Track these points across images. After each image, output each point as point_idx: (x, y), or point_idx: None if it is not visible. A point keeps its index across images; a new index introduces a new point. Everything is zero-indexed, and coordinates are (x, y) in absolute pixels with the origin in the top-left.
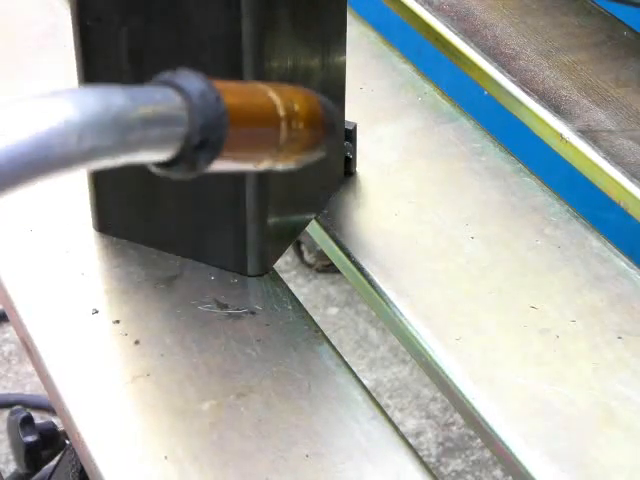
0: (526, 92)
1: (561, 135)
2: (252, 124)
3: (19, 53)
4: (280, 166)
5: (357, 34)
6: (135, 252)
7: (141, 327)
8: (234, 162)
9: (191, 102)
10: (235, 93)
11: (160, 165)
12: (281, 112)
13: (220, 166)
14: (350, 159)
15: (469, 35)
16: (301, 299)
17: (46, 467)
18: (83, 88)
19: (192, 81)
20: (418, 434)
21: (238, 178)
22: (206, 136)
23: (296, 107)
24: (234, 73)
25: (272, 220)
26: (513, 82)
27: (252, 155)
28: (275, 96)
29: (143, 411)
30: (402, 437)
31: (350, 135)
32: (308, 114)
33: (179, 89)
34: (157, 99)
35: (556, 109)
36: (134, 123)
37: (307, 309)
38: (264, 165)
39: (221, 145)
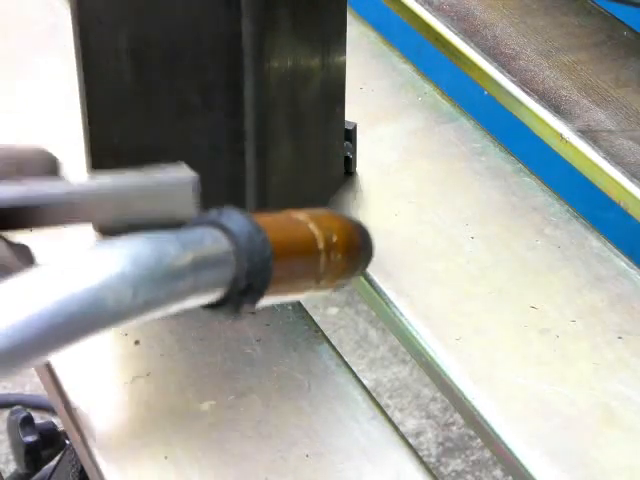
0: (526, 92)
1: (561, 135)
2: (295, 260)
3: (19, 53)
4: (320, 292)
5: (357, 34)
6: None
7: (141, 327)
8: (277, 296)
9: (238, 246)
10: (278, 229)
11: (205, 306)
12: (320, 245)
13: (264, 303)
14: (350, 159)
15: (469, 35)
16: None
17: (46, 467)
18: (135, 237)
19: (238, 222)
20: (418, 434)
21: (238, 178)
22: (252, 280)
23: (334, 238)
24: (234, 73)
25: None
26: (513, 82)
27: (294, 288)
28: (315, 228)
29: (143, 411)
30: (402, 437)
31: (350, 135)
32: (345, 243)
33: (226, 231)
34: (206, 243)
35: (556, 109)
36: (186, 272)
37: (307, 309)
38: (305, 294)
39: (265, 287)
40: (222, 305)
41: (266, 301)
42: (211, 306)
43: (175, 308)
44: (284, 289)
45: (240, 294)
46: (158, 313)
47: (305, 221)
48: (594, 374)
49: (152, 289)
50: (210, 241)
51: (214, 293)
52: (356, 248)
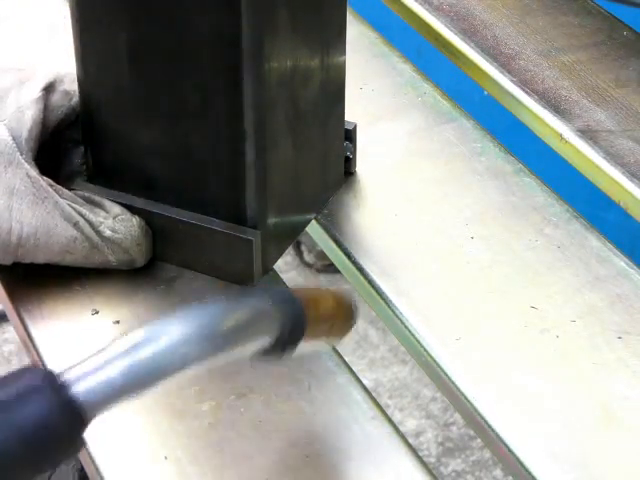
0: (526, 92)
1: (561, 135)
2: (317, 325)
3: (19, 54)
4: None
5: (357, 34)
6: None
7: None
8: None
9: (283, 314)
10: (311, 305)
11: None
12: (336, 315)
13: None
14: (350, 159)
15: (469, 35)
16: None
17: None
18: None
19: (285, 299)
20: (418, 434)
21: (238, 178)
22: (288, 341)
23: (341, 310)
24: (234, 73)
25: (272, 220)
26: (513, 82)
27: (313, 340)
28: (334, 301)
29: (143, 411)
30: (402, 437)
31: (350, 135)
32: (347, 313)
33: (275, 303)
34: (259, 317)
35: (556, 109)
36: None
37: None
38: (318, 344)
39: (300, 340)
40: (271, 352)
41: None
42: (265, 352)
43: (242, 354)
44: (308, 341)
45: (284, 344)
46: (230, 358)
47: (328, 297)
48: (594, 374)
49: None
50: (263, 315)
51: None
52: (350, 316)
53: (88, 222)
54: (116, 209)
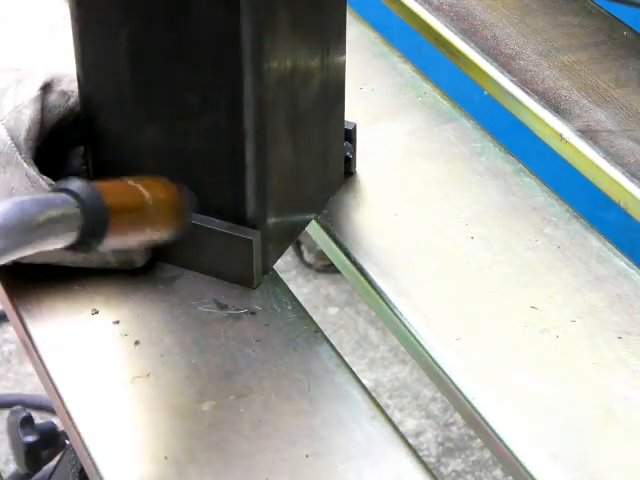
0: (526, 92)
1: (561, 135)
2: (127, 212)
3: (19, 53)
4: (160, 238)
5: (357, 34)
6: None
7: (141, 328)
8: (123, 238)
9: (82, 203)
10: (113, 192)
11: (66, 248)
12: (146, 195)
13: (113, 243)
14: (350, 159)
15: (469, 35)
16: (301, 299)
17: (46, 467)
18: (5, 201)
19: (82, 187)
20: (418, 434)
21: (238, 178)
22: (93, 226)
23: (161, 196)
24: (234, 73)
25: (272, 220)
26: (513, 82)
27: (133, 233)
28: (144, 190)
29: (143, 411)
30: (402, 437)
31: (350, 135)
32: (170, 201)
33: (70, 193)
34: (56, 205)
35: (556, 109)
36: (45, 223)
37: (307, 309)
38: (145, 238)
39: (105, 231)
40: (78, 246)
41: (113, 242)
42: (71, 247)
43: (40, 248)
44: (126, 233)
45: (87, 236)
46: (28, 252)
47: (135, 185)
48: (594, 374)
49: (20, 236)
50: (61, 202)
51: (69, 238)
52: (180, 204)
53: None
54: None
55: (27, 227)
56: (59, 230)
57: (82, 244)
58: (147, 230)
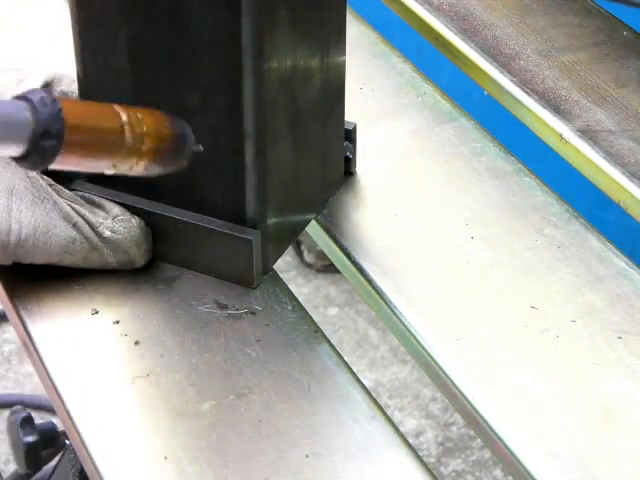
0: (526, 92)
1: (561, 135)
2: (91, 122)
3: (19, 53)
4: (132, 171)
5: (357, 34)
6: None
7: (141, 328)
8: (83, 158)
9: (34, 106)
10: (79, 104)
11: (18, 160)
12: (123, 118)
13: (71, 162)
14: (350, 159)
15: (469, 35)
16: (301, 299)
17: (46, 467)
18: None
19: (37, 93)
20: (418, 434)
21: (238, 178)
22: (46, 128)
23: (139, 115)
24: (234, 73)
25: (272, 220)
26: (513, 82)
27: (96, 154)
28: (118, 107)
29: (143, 411)
30: (402, 437)
31: (350, 135)
32: (153, 123)
33: (28, 100)
34: (10, 109)
35: (556, 109)
36: None
37: (307, 309)
38: (116, 168)
39: (61, 136)
40: (29, 155)
41: (73, 160)
42: (23, 157)
43: None
44: (85, 152)
45: (40, 142)
46: None
47: (113, 106)
48: (594, 374)
49: None
50: (14, 108)
51: (20, 144)
52: (166, 131)
53: (87, 222)
54: (116, 210)
55: None
56: (7, 135)
57: (31, 155)
58: (117, 157)
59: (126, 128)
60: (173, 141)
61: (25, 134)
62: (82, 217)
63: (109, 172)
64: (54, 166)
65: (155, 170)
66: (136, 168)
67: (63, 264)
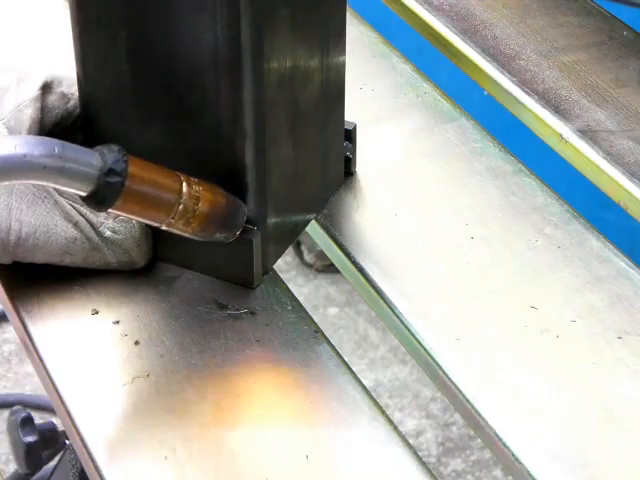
0: (526, 92)
1: (561, 135)
2: (152, 174)
3: (19, 54)
4: (184, 230)
5: (357, 34)
6: None
7: (141, 328)
8: (132, 210)
9: (102, 151)
10: (143, 166)
11: (86, 199)
12: (182, 177)
13: (131, 208)
14: (350, 159)
15: (469, 35)
16: (301, 299)
17: (46, 467)
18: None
19: (111, 149)
20: (418, 434)
21: (238, 178)
22: (112, 167)
23: (196, 180)
24: (234, 73)
25: (272, 220)
26: (513, 82)
27: (146, 211)
28: (186, 183)
29: (143, 411)
30: (402, 437)
31: (350, 135)
32: (208, 189)
33: (97, 149)
34: (81, 152)
35: (556, 109)
36: (57, 163)
37: (307, 309)
38: (170, 224)
39: (124, 175)
40: (92, 197)
41: (122, 209)
42: (88, 197)
43: (52, 183)
44: (140, 204)
45: (104, 184)
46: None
47: (181, 176)
48: (594, 374)
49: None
50: (86, 152)
51: (85, 186)
52: (222, 204)
53: (88, 222)
54: None
55: (53, 159)
56: (78, 173)
57: (95, 196)
58: (172, 212)
59: (184, 186)
60: (226, 209)
61: (90, 180)
62: (83, 216)
63: (164, 228)
64: (115, 209)
65: (204, 234)
66: (187, 228)
67: (63, 264)
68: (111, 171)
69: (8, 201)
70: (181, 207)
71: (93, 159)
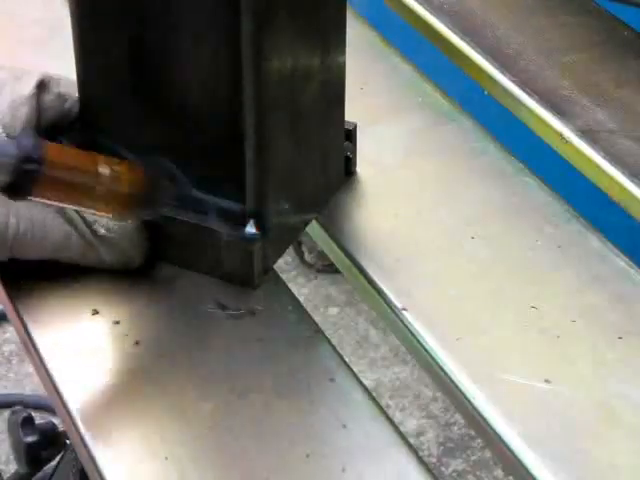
0: (526, 92)
1: (561, 135)
2: (66, 170)
3: (19, 53)
4: (106, 212)
5: (357, 34)
6: None
7: (141, 328)
8: (54, 194)
9: (19, 140)
10: (59, 151)
11: (4, 190)
12: (101, 161)
13: (50, 194)
14: (350, 159)
15: (469, 35)
16: (301, 299)
17: (47, 467)
18: None
19: (25, 137)
20: (419, 434)
21: (238, 178)
22: (28, 154)
23: (116, 161)
24: (234, 73)
25: (272, 220)
26: (513, 82)
27: (69, 194)
28: (102, 157)
29: (143, 411)
30: (402, 437)
31: (350, 135)
32: (127, 169)
33: (13, 138)
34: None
35: (556, 109)
36: None
37: (307, 309)
38: (82, 206)
39: (41, 161)
40: (9, 187)
41: (42, 196)
42: (5, 189)
43: None
44: (58, 190)
45: (18, 180)
46: None
47: (96, 156)
48: (594, 374)
49: None
50: (1, 144)
51: (3, 175)
52: (142, 183)
53: (82, 219)
54: None
55: None
56: None
57: (13, 185)
58: (87, 199)
59: (102, 167)
60: (146, 187)
61: (11, 161)
62: (77, 213)
63: (88, 210)
64: (35, 197)
65: (127, 213)
66: (109, 208)
67: (58, 259)
68: (28, 159)
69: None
70: (101, 188)
71: (9, 148)
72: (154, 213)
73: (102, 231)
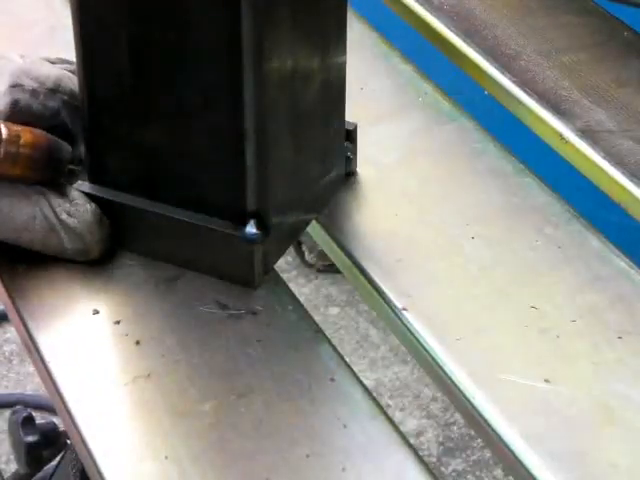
0: (526, 92)
1: (561, 135)
2: None
3: (19, 54)
4: (9, 175)
5: (357, 34)
6: (136, 252)
7: (142, 327)
8: None
9: None
10: None
11: None
12: (2, 130)
13: None
14: (350, 159)
15: (469, 35)
16: (302, 299)
17: (47, 467)
18: None
19: None
20: (419, 434)
21: (238, 178)
22: None
23: (17, 129)
24: (234, 73)
25: (273, 220)
26: (513, 82)
27: None
28: (1, 121)
29: (144, 411)
30: (402, 437)
31: (350, 135)
32: (30, 134)
33: None
34: None
35: (556, 109)
36: None
37: (308, 309)
38: None
39: None
40: None
41: None
42: None
43: None
44: None
45: None
46: None
47: None
48: (594, 374)
49: None
50: None
51: None
52: (44, 147)
53: (47, 202)
54: (75, 193)
55: None
56: None
57: None
58: None
59: (2, 128)
60: (48, 147)
61: None
62: (42, 195)
63: None
64: None
65: (34, 175)
66: (15, 169)
67: (21, 243)
68: None
69: None
70: (3, 149)
71: None
72: (59, 176)
73: (64, 215)
